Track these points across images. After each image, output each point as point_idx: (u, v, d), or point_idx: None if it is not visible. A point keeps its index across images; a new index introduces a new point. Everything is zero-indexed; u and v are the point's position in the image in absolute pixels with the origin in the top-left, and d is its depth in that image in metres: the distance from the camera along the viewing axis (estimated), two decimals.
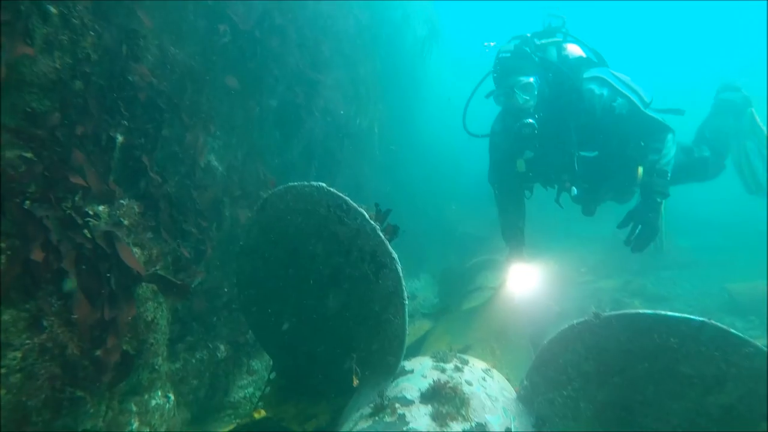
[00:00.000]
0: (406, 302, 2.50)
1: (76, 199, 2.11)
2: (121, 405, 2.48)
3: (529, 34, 4.65)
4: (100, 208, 2.38)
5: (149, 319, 2.59)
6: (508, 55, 4.26)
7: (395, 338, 2.56)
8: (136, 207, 2.57)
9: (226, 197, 4.11)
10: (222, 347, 3.77)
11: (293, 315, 3.17)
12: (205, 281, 3.85)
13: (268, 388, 3.46)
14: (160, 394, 2.79)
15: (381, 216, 2.76)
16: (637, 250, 4.08)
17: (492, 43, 4.85)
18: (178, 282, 2.50)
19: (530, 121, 4.12)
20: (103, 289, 2.14)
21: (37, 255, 1.91)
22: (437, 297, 7.09)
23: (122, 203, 2.51)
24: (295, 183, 2.88)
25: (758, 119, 5.14)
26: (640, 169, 4.24)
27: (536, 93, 4.18)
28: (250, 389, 3.97)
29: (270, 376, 3.48)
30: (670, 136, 4.23)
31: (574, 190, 4.57)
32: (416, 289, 7.31)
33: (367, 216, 2.60)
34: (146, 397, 2.67)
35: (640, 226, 3.96)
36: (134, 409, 2.54)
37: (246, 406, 3.72)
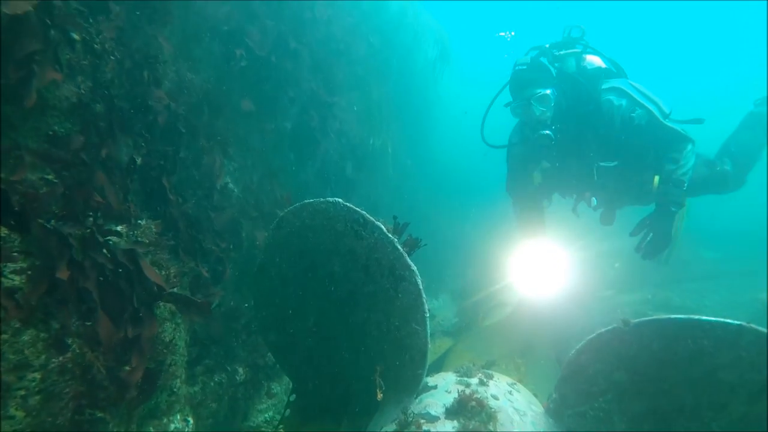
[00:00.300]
0: (428, 315, 2.44)
1: (98, 217, 2.13)
2: (140, 429, 2.44)
3: (547, 45, 4.69)
4: (119, 228, 2.40)
5: (167, 340, 2.57)
6: (525, 67, 4.32)
7: (417, 352, 2.49)
8: (153, 227, 2.58)
9: (243, 218, 4.14)
10: (241, 370, 3.72)
11: (312, 334, 3.12)
12: (222, 303, 3.83)
13: (288, 411, 3.39)
14: (179, 417, 2.74)
15: (399, 229, 2.73)
16: (647, 258, 4.06)
17: (511, 33, 4.87)
18: (198, 300, 2.48)
19: (547, 132, 4.16)
20: (125, 307, 2.13)
21: (63, 273, 1.92)
22: (456, 317, 6.95)
23: (140, 223, 2.53)
24: (311, 200, 2.89)
25: None
26: (656, 179, 4.21)
27: (552, 105, 4.22)
28: (270, 413, 3.90)
29: (290, 399, 3.42)
30: (689, 147, 4.19)
31: (594, 200, 4.56)
32: (435, 309, 7.19)
33: (384, 229, 2.58)
34: (165, 420, 2.63)
35: (651, 234, 3.94)
36: (152, 431, 2.50)
37: (266, 429, 3.64)
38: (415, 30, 10.30)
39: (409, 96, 9.50)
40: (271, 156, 4.85)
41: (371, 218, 2.62)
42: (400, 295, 2.52)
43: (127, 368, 2.07)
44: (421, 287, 2.44)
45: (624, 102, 4.20)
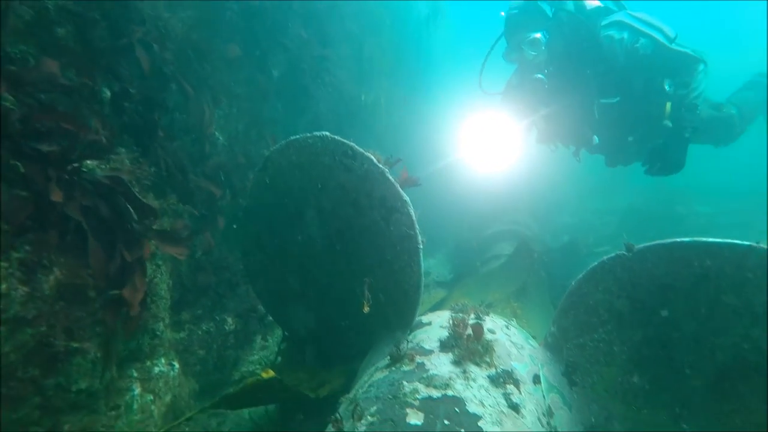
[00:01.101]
0: (421, 246, 2.32)
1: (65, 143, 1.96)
2: (121, 371, 2.34)
3: None
4: (89, 162, 2.23)
5: (147, 279, 2.43)
6: (516, 11, 4.18)
7: (411, 287, 2.39)
8: (128, 160, 2.41)
9: (231, 167, 3.96)
10: (230, 320, 3.63)
11: (302, 278, 3.01)
12: (211, 253, 3.71)
13: (279, 358, 3.31)
14: (163, 361, 2.65)
15: (390, 162, 2.58)
16: (651, 174, 4.05)
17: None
18: (179, 236, 2.34)
19: (539, 76, 4.10)
20: (115, 235, 2.00)
21: (56, 195, 1.77)
22: (451, 273, 6.90)
23: (112, 157, 2.36)
24: (297, 136, 2.72)
25: None
26: (668, 105, 4.07)
27: (545, 48, 4.10)
28: (262, 363, 3.83)
29: (281, 346, 3.34)
30: (701, 67, 4.07)
31: (596, 138, 4.44)
32: (431, 266, 7.12)
33: (374, 160, 2.43)
34: (148, 363, 2.53)
35: (663, 161, 3.87)
36: (135, 374, 2.40)
37: (257, 373, 3.58)
38: None
39: (402, 52, 9.19)
40: (258, 105, 4.63)
41: (360, 149, 2.47)
42: (392, 228, 2.39)
43: (128, 287, 1.96)
44: (414, 218, 2.31)
45: (626, 34, 4.05)
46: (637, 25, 3.96)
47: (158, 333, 2.61)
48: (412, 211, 2.32)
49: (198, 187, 3.19)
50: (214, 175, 3.67)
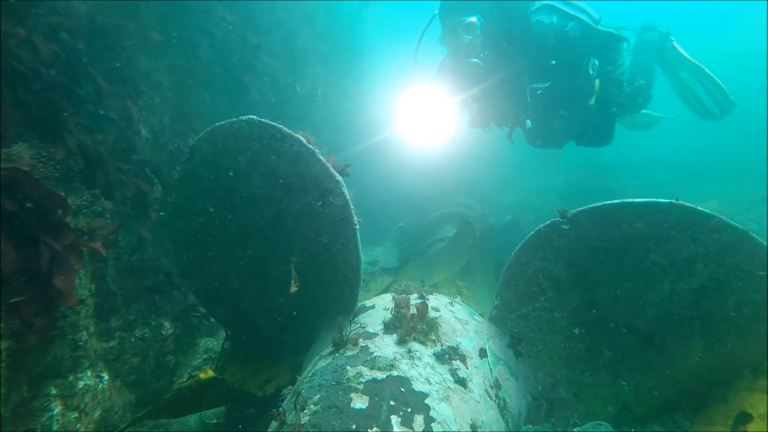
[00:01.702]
0: (358, 227, 2.25)
1: None
2: (34, 390, 2.10)
3: None
4: None
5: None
6: None
7: (350, 269, 2.31)
8: (27, 155, 2.16)
9: (158, 161, 3.70)
10: (167, 324, 3.40)
11: (241, 271, 2.85)
12: (143, 254, 3.45)
13: (222, 359, 3.14)
14: (90, 373, 2.42)
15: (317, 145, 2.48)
16: (582, 145, 4.26)
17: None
18: (95, 235, 2.13)
19: (475, 60, 4.12)
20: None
21: None
22: (398, 260, 6.90)
23: (11, 150, 2.10)
24: (222, 122, 2.56)
25: (681, 49, 5.32)
26: (597, 82, 4.24)
27: (479, 32, 4.13)
28: (205, 368, 3.63)
29: (224, 346, 3.17)
30: (624, 45, 4.27)
31: (528, 122, 4.55)
32: (377, 256, 7.08)
33: (304, 141, 2.32)
34: (71, 378, 2.30)
35: (592, 133, 4.03)
36: (54, 391, 2.17)
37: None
38: None
39: (337, 40, 9.02)
40: (184, 96, 4.35)
41: (289, 131, 2.35)
42: (326, 210, 2.30)
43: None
44: (348, 198, 2.23)
45: (555, 18, 4.16)
46: (564, 8, 4.07)
47: (80, 343, 2.38)
48: (346, 192, 2.24)
49: (122, 181, 2.93)
50: (141, 170, 3.41)
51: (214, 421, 3.21)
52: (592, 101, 4.19)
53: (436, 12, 4.34)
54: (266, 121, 2.41)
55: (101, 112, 3.22)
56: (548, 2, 4.27)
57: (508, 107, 4.53)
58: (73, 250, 1.93)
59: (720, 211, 2.01)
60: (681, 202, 2.02)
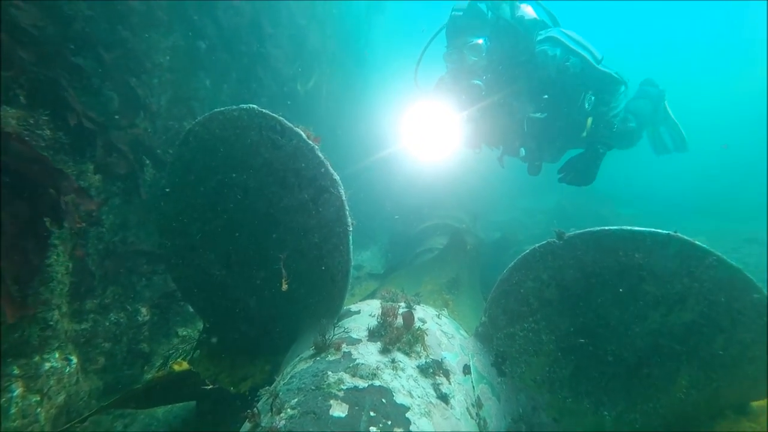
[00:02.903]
0: (350, 229, 2.19)
1: None
2: None
3: None
4: None
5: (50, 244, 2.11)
6: (461, 13, 4.18)
7: (338, 271, 2.25)
8: (13, 118, 2.07)
9: (151, 142, 3.60)
10: (144, 310, 3.30)
11: (225, 262, 2.78)
12: (126, 236, 3.35)
13: (198, 351, 3.05)
14: (57, 355, 2.32)
15: (316, 140, 2.42)
16: (564, 182, 4.29)
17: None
18: (78, 210, 2.04)
19: (477, 82, 4.13)
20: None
21: None
22: (385, 267, 6.84)
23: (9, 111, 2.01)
24: (222, 108, 2.49)
25: (670, 111, 5.83)
26: (589, 120, 4.30)
27: (485, 54, 4.15)
28: (179, 358, 3.53)
29: (200, 338, 3.07)
30: (621, 89, 4.33)
31: (522, 150, 4.59)
32: (363, 261, 7.02)
33: (304, 136, 2.27)
34: (36, 358, 2.20)
35: (576, 171, 4.06)
36: (17, 372, 2.07)
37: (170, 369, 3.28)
38: None
39: (345, 43, 9.00)
40: (183, 78, 4.26)
41: (289, 124, 2.29)
42: (320, 209, 2.24)
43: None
44: (344, 199, 2.18)
45: (558, 51, 4.19)
46: (568, 43, 4.10)
47: (51, 323, 2.28)
48: (342, 192, 2.19)
49: (114, 158, 2.83)
50: (134, 149, 3.32)
51: (183, 415, 3.12)
52: (584, 134, 4.25)
53: (443, 27, 4.35)
54: (266, 111, 2.35)
55: (99, 83, 3.14)
56: (554, 35, 4.30)
57: (504, 133, 4.55)
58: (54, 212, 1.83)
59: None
60: (679, 234, 2.00)
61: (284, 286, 2.07)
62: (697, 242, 2.00)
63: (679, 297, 2.07)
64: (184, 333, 3.75)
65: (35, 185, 1.95)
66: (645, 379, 2.16)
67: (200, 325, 4.01)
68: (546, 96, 4.24)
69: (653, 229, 2.03)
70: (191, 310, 3.88)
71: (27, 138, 2.02)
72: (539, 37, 4.36)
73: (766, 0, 22.69)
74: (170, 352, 3.54)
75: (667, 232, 2.01)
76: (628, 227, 2.06)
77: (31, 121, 2.13)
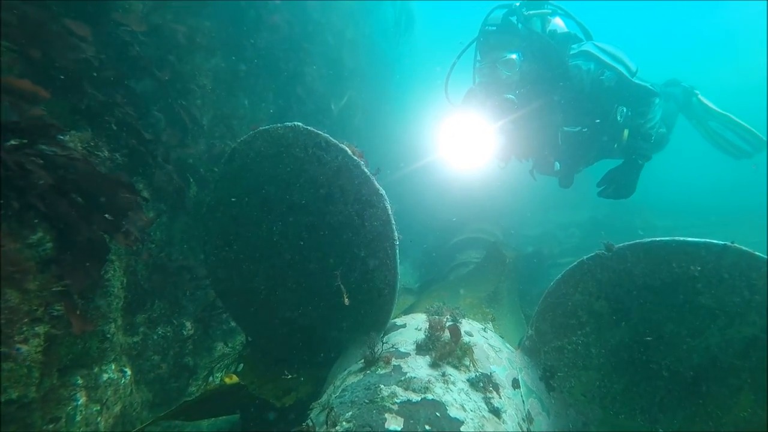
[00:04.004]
0: (397, 243, 2.22)
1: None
2: (63, 378, 2.10)
3: (517, 4, 4.52)
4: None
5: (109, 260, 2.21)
6: (494, 28, 4.19)
7: (385, 285, 2.27)
8: (79, 142, 2.19)
9: (196, 161, 3.74)
10: (188, 324, 3.39)
11: (269, 278, 2.84)
12: (172, 251, 3.47)
13: (242, 365, 3.10)
14: (114, 367, 2.41)
15: (360, 155, 2.47)
16: (603, 197, 4.23)
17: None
18: (132, 229, 2.14)
19: (511, 97, 4.12)
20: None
21: None
22: (418, 281, 6.82)
23: (63, 138, 2.14)
24: (267, 126, 2.58)
25: (706, 101, 5.57)
26: (626, 132, 4.24)
27: (518, 69, 4.15)
28: (222, 372, 3.59)
29: (243, 352, 3.13)
30: (656, 101, 4.27)
31: (557, 164, 4.54)
32: None
33: (349, 152, 2.32)
34: (96, 370, 2.29)
35: (615, 180, 4.00)
36: (80, 382, 2.16)
37: (216, 384, 3.34)
38: None
39: (377, 60, 9.18)
40: (224, 98, 4.43)
41: (335, 140, 2.35)
42: (366, 224, 2.28)
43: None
44: (390, 213, 2.21)
45: (592, 65, 4.17)
46: (602, 57, 4.08)
47: (108, 335, 2.37)
48: (388, 206, 2.22)
49: (168, 178, 2.96)
50: (180, 168, 3.46)
51: (227, 428, 3.17)
52: (615, 145, 4.21)
53: (473, 41, 4.37)
54: (311, 128, 2.42)
55: (148, 104, 3.30)
56: (587, 49, 4.27)
57: (537, 146, 4.52)
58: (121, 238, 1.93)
59: None
60: (736, 245, 1.95)
61: (346, 301, 2.10)
62: (756, 253, 1.94)
63: (739, 310, 2.00)
64: (225, 347, 3.82)
65: (98, 202, 2.06)
66: (704, 396, 2.09)
67: (240, 338, 4.09)
68: (581, 110, 4.21)
69: (708, 240, 1.98)
70: (232, 323, 3.96)
71: (90, 159, 2.14)
72: (572, 51, 4.34)
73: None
74: (213, 365, 3.61)
75: (723, 242, 1.96)
76: (681, 238, 2.02)
77: (92, 144, 2.25)
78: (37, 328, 1.80)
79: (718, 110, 5.48)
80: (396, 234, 2.20)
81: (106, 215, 2.11)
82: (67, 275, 1.83)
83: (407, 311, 4.18)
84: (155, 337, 3.05)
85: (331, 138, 2.36)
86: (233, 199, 2.79)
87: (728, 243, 1.96)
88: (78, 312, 1.85)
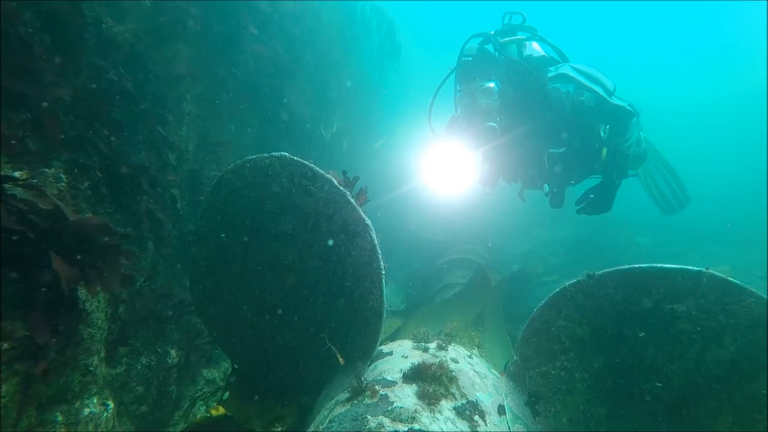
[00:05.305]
0: (383, 272, 2.24)
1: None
2: (42, 415, 2.05)
3: (492, 32, 4.65)
4: (17, 173, 2.01)
5: (80, 308, 2.19)
6: (470, 58, 4.28)
7: (372, 314, 2.29)
8: (63, 175, 2.19)
9: (176, 189, 3.74)
10: (173, 353, 3.34)
11: (255, 306, 2.83)
12: (155, 280, 3.43)
13: (227, 393, 3.06)
14: (96, 401, 2.36)
15: (350, 183, 2.51)
16: (582, 213, 4.27)
17: None
18: (120, 266, 2.13)
19: (493, 124, 4.19)
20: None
21: None
22: (404, 303, 6.81)
23: (46, 170, 2.14)
24: (253, 156, 2.61)
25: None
26: (605, 151, 4.34)
27: (497, 96, 4.23)
28: (206, 401, 3.53)
29: (229, 380, 3.09)
30: (633, 120, 4.38)
31: (546, 187, 4.62)
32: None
33: (335, 182, 2.35)
34: (77, 404, 2.24)
35: (593, 197, 4.11)
36: (60, 419, 2.11)
37: (201, 414, 3.28)
38: (366, 19, 10.20)
39: (362, 86, 9.31)
40: (209, 124, 4.45)
41: (321, 171, 2.39)
42: (353, 253, 2.30)
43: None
44: (376, 243, 2.24)
45: (571, 88, 4.27)
46: (580, 78, 4.19)
47: (91, 368, 2.33)
48: (374, 236, 2.25)
49: (146, 207, 2.95)
50: (163, 197, 3.45)
51: None
52: (597, 165, 4.32)
53: (452, 71, 4.46)
54: (298, 159, 2.46)
55: (130, 133, 3.30)
56: (565, 71, 4.39)
57: (523, 169, 4.61)
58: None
59: (733, 277, 2.00)
60: (711, 271, 2.02)
61: (341, 361, 2.11)
62: (730, 279, 2.00)
63: (715, 334, 2.06)
64: (209, 374, 3.76)
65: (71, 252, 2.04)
66: (685, 418, 2.13)
67: (225, 366, 4.03)
68: (563, 132, 4.31)
69: (683, 266, 2.05)
70: (216, 351, 3.91)
71: (73, 191, 2.13)
72: (550, 74, 4.45)
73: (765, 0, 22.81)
74: (197, 394, 3.55)
75: (698, 269, 2.03)
76: (659, 265, 2.08)
77: (69, 179, 2.24)
78: (15, 366, 1.77)
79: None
80: (382, 263, 2.23)
81: (81, 265, 2.10)
82: (32, 328, 1.81)
83: (393, 336, 4.18)
84: (139, 367, 3.00)
85: (317, 168, 2.39)
86: (219, 228, 2.80)
87: (703, 269, 2.02)
88: (43, 363, 1.82)
